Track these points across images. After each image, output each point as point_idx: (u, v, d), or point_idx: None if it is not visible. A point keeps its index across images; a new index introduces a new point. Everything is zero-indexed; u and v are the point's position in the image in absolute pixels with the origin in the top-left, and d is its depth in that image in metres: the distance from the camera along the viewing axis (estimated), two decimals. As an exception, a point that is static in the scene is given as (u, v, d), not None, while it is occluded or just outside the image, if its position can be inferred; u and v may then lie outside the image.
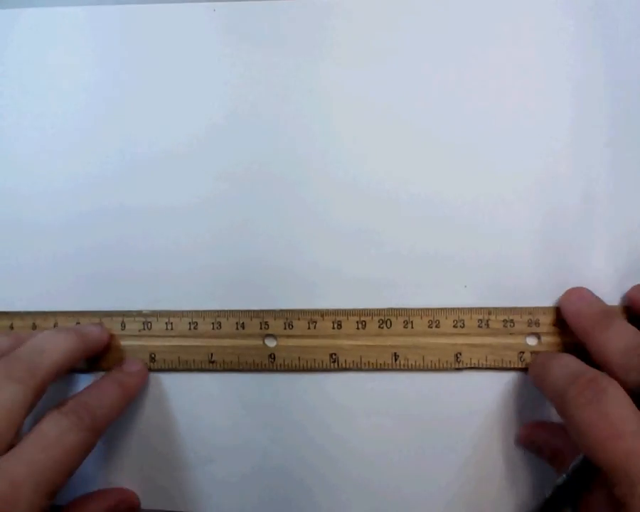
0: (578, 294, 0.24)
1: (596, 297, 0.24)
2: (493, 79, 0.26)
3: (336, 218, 0.26)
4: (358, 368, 0.25)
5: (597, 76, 0.26)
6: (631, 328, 0.22)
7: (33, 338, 0.22)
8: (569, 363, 0.22)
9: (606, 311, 0.23)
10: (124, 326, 0.26)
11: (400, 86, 0.26)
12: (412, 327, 0.25)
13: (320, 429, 0.25)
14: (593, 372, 0.20)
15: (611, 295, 0.25)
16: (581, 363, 0.22)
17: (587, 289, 0.24)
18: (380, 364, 0.25)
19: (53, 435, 0.20)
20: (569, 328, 0.24)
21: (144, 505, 0.26)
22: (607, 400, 0.19)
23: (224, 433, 0.26)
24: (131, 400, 0.25)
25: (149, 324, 0.26)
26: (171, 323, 0.26)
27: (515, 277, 0.25)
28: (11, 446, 0.19)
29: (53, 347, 0.22)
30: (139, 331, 0.26)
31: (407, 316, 0.25)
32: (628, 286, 0.25)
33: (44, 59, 0.27)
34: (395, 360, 0.25)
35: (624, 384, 0.19)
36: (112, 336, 0.26)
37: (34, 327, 0.26)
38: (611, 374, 0.20)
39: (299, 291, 0.26)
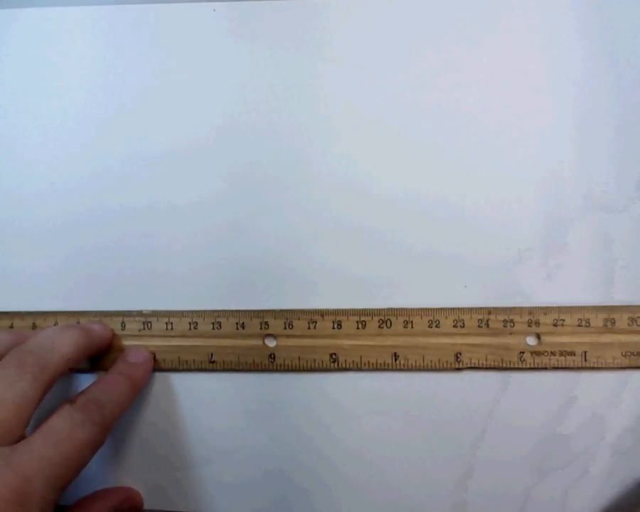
0: None
1: None
2: (495, 78, 0.26)
3: (336, 218, 0.26)
4: (357, 368, 0.25)
5: (602, 79, 0.26)
6: None
7: (42, 334, 0.23)
8: None
9: None
10: (124, 326, 0.26)
11: (401, 86, 0.26)
12: (412, 327, 0.25)
13: (320, 429, 0.25)
14: None
15: (613, 295, 0.25)
16: None
17: None
18: (380, 364, 0.25)
19: (64, 431, 0.20)
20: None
21: (145, 506, 0.26)
22: None
23: (224, 433, 0.26)
24: (139, 391, 0.25)
25: (149, 324, 0.26)
26: (171, 323, 0.26)
27: (515, 277, 0.25)
28: (19, 440, 0.19)
29: (62, 342, 0.22)
30: (139, 330, 0.26)
31: (407, 316, 0.25)
32: (629, 286, 0.25)
33: (43, 59, 0.27)
34: (395, 360, 0.25)
35: None
36: (114, 336, 0.26)
37: (34, 327, 0.26)
38: None
39: (299, 291, 0.26)
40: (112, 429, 0.22)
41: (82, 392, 0.22)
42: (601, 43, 0.26)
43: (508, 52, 0.26)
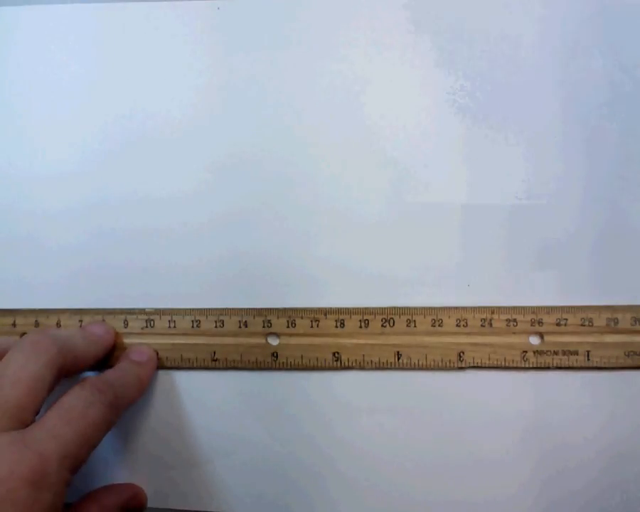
0: None
1: None
2: (490, 78, 0.26)
3: (339, 216, 0.26)
4: (360, 367, 0.25)
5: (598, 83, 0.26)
6: None
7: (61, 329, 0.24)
8: None
9: None
10: (127, 324, 0.26)
11: (400, 85, 0.26)
12: (415, 326, 0.25)
13: (322, 427, 0.25)
14: None
15: (616, 295, 0.25)
16: None
17: None
18: (383, 363, 0.25)
19: (78, 409, 0.20)
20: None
21: (148, 503, 0.26)
22: None
23: (227, 431, 0.25)
24: (145, 389, 0.25)
25: (152, 322, 0.26)
26: (174, 322, 0.26)
27: (518, 276, 0.25)
28: (31, 423, 0.20)
29: (78, 338, 0.23)
30: (142, 328, 0.26)
31: (409, 315, 0.25)
32: (633, 285, 0.25)
33: (45, 58, 0.27)
34: (398, 359, 0.25)
35: None
36: (116, 335, 0.26)
37: (36, 324, 0.26)
38: None
39: (302, 289, 0.26)
40: (122, 413, 0.22)
41: (93, 376, 0.22)
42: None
43: (507, 54, 0.26)
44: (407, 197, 0.26)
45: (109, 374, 0.23)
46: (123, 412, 0.22)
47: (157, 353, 0.25)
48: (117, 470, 0.26)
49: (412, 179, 0.26)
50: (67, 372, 0.22)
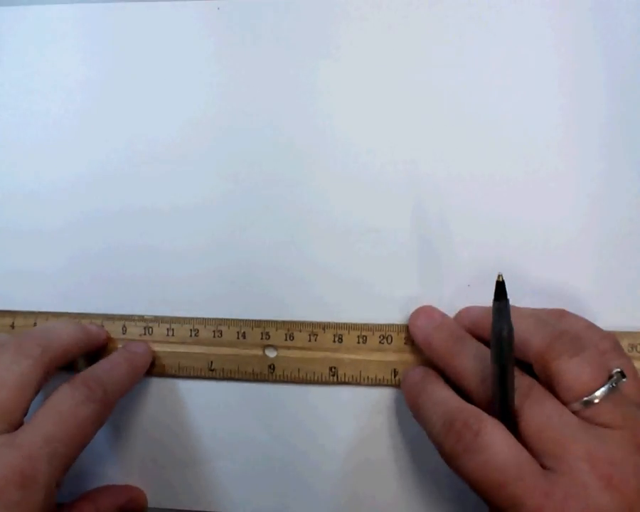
0: (425, 317, 0.24)
1: (444, 319, 0.24)
2: (494, 78, 0.25)
3: (340, 223, 0.25)
4: (357, 383, 0.25)
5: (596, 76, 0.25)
6: (483, 349, 0.21)
7: (44, 324, 0.24)
8: (442, 400, 0.21)
9: (456, 334, 0.23)
10: (125, 330, 0.26)
11: (401, 86, 0.25)
12: (413, 343, 0.25)
13: (322, 435, 0.26)
14: (465, 413, 0.20)
15: (615, 320, 0.25)
16: (452, 395, 0.21)
17: (434, 310, 0.24)
18: (380, 379, 0.25)
19: (67, 409, 0.20)
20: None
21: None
22: (484, 445, 0.18)
23: (224, 433, 0.26)
24: (139, 377, 0.25)
25: (150, 329, 0.26)
26: (172, 329, 0.26)
27: (518, 278, 0.25)
28: (19, 424, 0.20)
29: (63, 331, 0.23)
30: (140, 335, 0.26)
31: (407, 333, 0.25)
32: (631, 311, 0.25)
33: (43, 58, 0.26)
34: (394, 376, 0.25)
35: (486, 403, 0.20)
36: (110, 339, 0.26)
37: (35, 326, 0.26)
38: (472, 396, 0.21)
39: (301, 302, 0.26)
40: (114, 407, 0.22)
41: (82, 372, 0.22)
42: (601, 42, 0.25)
43: (506, 52, 0.25)
44: (408, 204, 0.25)
45: (99, 367, 0.23)
46: (116, 404, 0.22)
47: (154, 360, 0.26)
48: (114, 473, 0.26)
49: (413, 184, 0.25)
50: (57, 365, 0.22)
